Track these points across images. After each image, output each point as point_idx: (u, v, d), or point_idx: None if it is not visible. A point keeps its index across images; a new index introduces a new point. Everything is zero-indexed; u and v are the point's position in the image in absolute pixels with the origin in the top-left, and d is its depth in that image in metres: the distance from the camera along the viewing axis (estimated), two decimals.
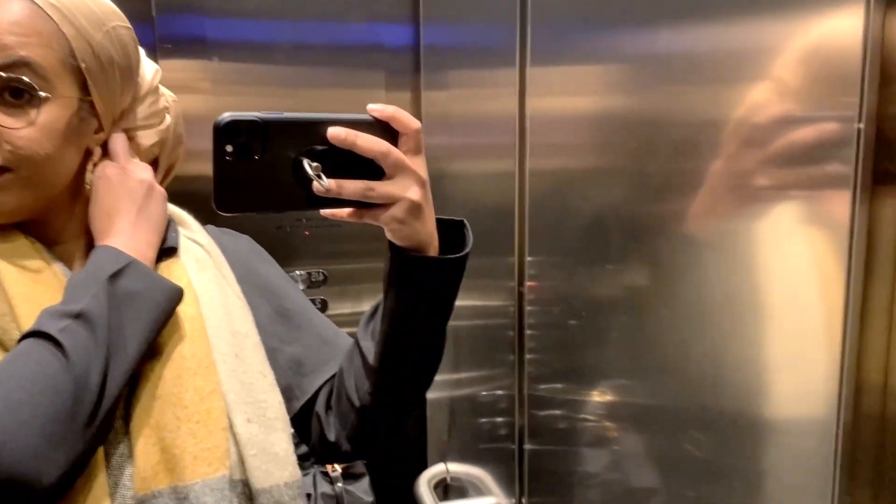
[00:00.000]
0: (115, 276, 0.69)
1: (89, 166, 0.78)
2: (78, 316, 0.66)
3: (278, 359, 0.85)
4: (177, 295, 0.74)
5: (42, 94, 0.69)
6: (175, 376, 0.73)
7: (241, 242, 0.93)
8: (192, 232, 0.86)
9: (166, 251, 0.80)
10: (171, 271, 0.78)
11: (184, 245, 0.83)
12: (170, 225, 0.82)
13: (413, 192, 0.67)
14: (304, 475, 0.92)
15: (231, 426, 0.74)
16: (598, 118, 0.94)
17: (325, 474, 0.95)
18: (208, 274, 0.82)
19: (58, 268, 0.75)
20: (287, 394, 0.84)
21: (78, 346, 0.65)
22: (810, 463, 0.59)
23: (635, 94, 0.86)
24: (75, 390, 0.64)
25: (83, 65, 0.72)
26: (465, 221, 0.75)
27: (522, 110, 1.13)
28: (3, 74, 0.67)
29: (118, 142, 0.79)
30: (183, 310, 0.76)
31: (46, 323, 0.66)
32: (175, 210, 0.87)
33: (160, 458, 0.70)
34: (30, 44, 0.69)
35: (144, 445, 0.70)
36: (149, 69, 0.82)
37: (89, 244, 0.77)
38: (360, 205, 0.67)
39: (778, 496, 0.64)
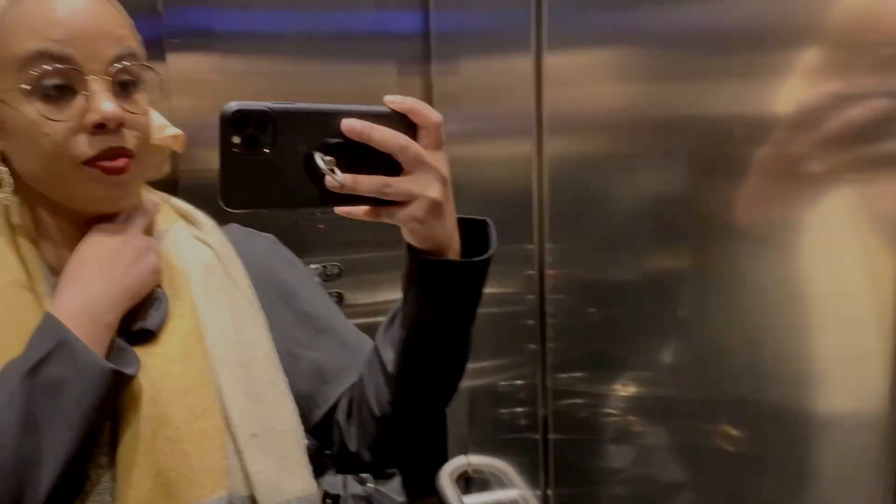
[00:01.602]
0: (38, 366, 0.63)
1: None
2: None
3: (300, 365, 0.81)
4: (108, 379, 0.65)
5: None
6: (166, 397, 0.68)
7: (261, 243, 0.87)
8: (202, 232, 0.81)
9: (143, 333, 0.71)
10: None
11: (191, 248, 0.78)
12: (155, 293, 0.73)
13: (433, 190, 0.63)
14: (333, 476, 0.90)
15: (234, 442, 0.70)
16: (620, 102, 0.91)
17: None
18: (215, 278, 0.77)
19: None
20: (309, 401, 0.80)
21: None
22: (860, 459, 0.57)
23: (660, 76, 0.83)
24: None
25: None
26: (489, 221, 0.71)
27: (539, 96, 1.10)
28: (127, 64, 0.69)
29: None
30: (178, 325, 0.71)
31: None
32: (187, 208, 0.83)
33: (153, 483, 0.66)
34: (131, 34, 0.72)
35: (136, 473, 0.66)
36: None
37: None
38: (377, 202, 0.63)
39: (822, 493, 0.62)
